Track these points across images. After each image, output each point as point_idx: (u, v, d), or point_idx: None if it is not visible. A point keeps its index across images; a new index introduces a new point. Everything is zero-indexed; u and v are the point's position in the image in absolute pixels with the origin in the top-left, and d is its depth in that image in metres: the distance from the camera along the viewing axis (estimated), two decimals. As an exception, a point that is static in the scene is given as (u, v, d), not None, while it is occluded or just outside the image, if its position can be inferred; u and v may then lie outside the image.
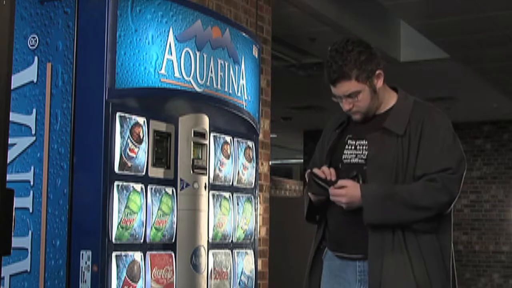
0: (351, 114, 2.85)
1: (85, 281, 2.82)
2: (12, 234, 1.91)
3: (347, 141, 2.87)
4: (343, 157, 2.85)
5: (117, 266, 2.85)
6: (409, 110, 2.81)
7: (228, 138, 3.51)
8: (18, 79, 3.05)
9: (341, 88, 2.78)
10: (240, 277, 3.53)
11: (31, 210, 2.98)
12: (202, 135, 3.25)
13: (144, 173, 3.00)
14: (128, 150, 2.93)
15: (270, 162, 6.05)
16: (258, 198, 3.75)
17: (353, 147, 2.84)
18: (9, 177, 2.06)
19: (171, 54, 3.11)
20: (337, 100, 2.84)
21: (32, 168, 3.00)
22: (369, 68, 2.77)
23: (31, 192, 2.99)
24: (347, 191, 2.72)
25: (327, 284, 2.88)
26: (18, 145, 3.03)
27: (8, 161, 2.80)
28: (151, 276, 2.99)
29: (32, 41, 3.07)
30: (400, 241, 2.69)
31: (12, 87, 2.24)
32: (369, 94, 2.79)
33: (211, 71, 3.34)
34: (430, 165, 2.71)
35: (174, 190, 3.14)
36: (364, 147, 2.82)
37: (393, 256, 2.68)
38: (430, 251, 2.72)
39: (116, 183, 2.87)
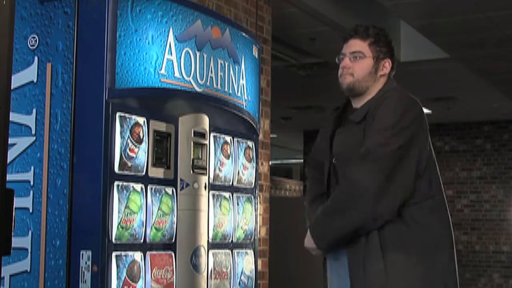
0: (343, 75, 2.87)
1: (85, 281, 2.82)
2: (12, 234, 1.91)
3: (338, 134, 2.92)
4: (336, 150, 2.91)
5: (117, 266, 2.85)
6: (375, 99, 2.83)
7: (228, 138, 3.51)
8: (18, 79, 3.05)
9: (352, 45, 2.88)
10: (240, 277, 3.53)
11: (31, 210, 2.98)
12: (202, 135, 3.25)
13: (144, 173, 3.00)
14: (128, 150, 2.93)
15: (270, 162, 6.05)
16: (258, 198, 3.75)
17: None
18: (9, 177, 2.06)
19: (171, 54, 3.11)
20: (339, 61, 2.90)
21: (32, 168, 3.00)
22: (383, 50, 2.89)
23: (31, 192, 2.99)
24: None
25: (330, 281, 2.91)
26: (18, 145, 3.03)
27: (8, 161, 2.80)
28: (151, 276, 2.99)
29: (32, 41, 3.07)
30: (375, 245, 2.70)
31: (12, 87, 2.24)
32: (369, 66, 2.86)
33: (211, 71, 3.34)
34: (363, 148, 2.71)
35: (174, 190, 3.14)
36: None
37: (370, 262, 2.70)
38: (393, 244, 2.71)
39: (116, 183, 2.87)
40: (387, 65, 2.90)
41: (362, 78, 2.85)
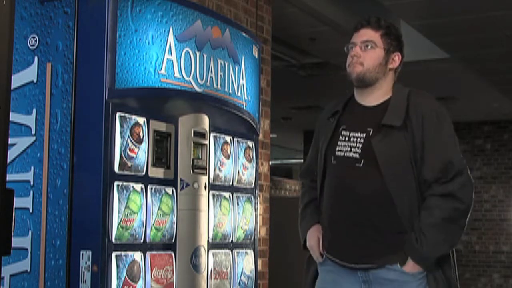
0: (353, 63, 2.80)
1: (85, 281, 2.82)
2: (12, 234, 1.91)
3: (341, 132, 2.79)
4: (336, 149, 2.77)
5: (117, 266, 2.85)
6: (404, 100, 2.78)
7: (228, 138, 3.51)
8: (18, 79, 3.05)
9: (363, 34, 2.82)
10: (240, 277, 3.53)
11: (31, 210, 2.98)
12: (202, 135, 3.25)
13: (144, 173, 3.00)
14: (128, 150, 2.93)
15: (270, 162, 6.04)
16: (258, 198, 3.75)
17: (346, 139, 2.76)
18: (9, 177, 2.06)
19: (171, 54, 3.11)
20: (347, 51, 2.84)
21: (32, 168, 3.00)
22: (394, 43, 2.83)
23: (31, 192, 2.99)
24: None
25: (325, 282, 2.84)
26: (18, 145, 3.03)
27: (8, 161, 2.80)
28: (151, 276, 2.99)
29: (32, 41, 3.07)
30: None
31: (12, 87, 2.25)
32: (380, 57, 2.79)
33: (211, 71, 3.34)
34: (437, 161, 2.76)
35: (174, 190, 3.14)
36: (358, 140, 2.74)
37: None
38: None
39: (116, 183, 2.87)
40: (396, 59, 2.83)
41: (373, 68, 2.77)
